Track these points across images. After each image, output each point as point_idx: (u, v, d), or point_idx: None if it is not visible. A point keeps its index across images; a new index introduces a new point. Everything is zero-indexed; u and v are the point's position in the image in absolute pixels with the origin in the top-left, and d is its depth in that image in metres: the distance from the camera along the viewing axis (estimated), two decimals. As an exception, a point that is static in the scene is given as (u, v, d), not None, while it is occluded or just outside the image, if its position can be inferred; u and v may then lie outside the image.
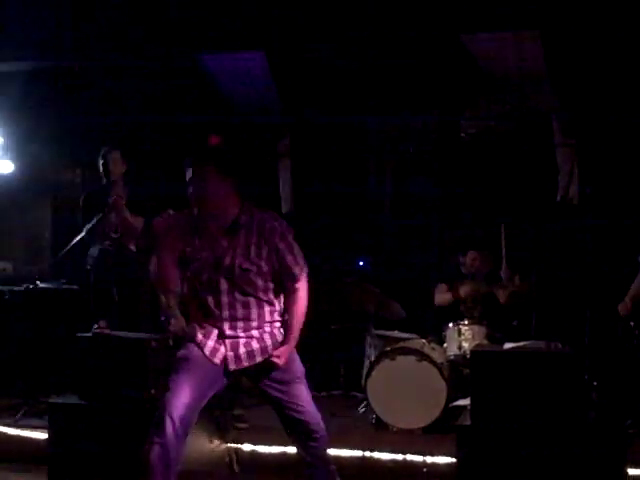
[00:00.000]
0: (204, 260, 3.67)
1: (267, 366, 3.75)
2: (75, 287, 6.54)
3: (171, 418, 3.53)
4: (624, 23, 5.49)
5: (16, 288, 6.45)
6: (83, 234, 5.57)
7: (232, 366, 3.71)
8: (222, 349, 3.69)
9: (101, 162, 5.79)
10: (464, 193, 7.17)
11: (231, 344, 3.69)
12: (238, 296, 3.67)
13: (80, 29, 6.27)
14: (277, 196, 7.40)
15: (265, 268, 3.68)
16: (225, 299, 3.67)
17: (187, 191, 3.68)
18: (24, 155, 7.21)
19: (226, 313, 3.68)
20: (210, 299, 3.68)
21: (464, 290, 6.17)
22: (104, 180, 5.84)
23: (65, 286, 6.63)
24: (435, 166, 7.33)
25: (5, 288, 6.61)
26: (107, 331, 4.94)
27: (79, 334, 4.83)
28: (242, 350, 3.70)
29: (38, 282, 6.21)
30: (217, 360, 3.69)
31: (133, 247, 5.75)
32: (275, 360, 3.72)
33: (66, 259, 5.96)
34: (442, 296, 6.32)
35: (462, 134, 7.21)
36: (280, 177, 7.48)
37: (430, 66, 6.57)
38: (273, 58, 6.52)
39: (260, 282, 3.69)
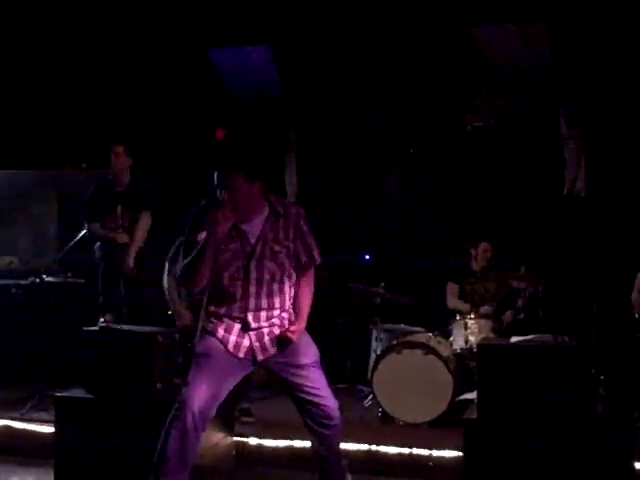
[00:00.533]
0: (234, 250, 3.71)
1: (285, 352, 3.78)
2: (81, 281, 6.55)
3: (191, 412, 3.58)
4: (630, 15, 5.45)
5: (22, 282, 6.46)
6: (85, 231, 5.59)
7: (260, 356, 3.76)
8: (246, 342, 3.73)
9: (112, 155, 5.79)
10: (470, 186, 7.15)
11: (256, 335, 3.74)
12: (265, 285, 3.73)
13: (84, 23, 6.26)
14: (283, 189, 7.40)
15: (292, 250, 3.79)
16: (253, 289, 3.72)
17: (216, 193, 3.70)
18: (30, 149, 7.22)
19: (252, 304, 3.72)
20: (237, 290, 3.71)
21: (484, 309, 6.15)
22: (110, 174, 5.85)
23: (71, 280, 6.64)
24: (441, 159, 7.30)
25: (11, 282, 6.62)
26: (113, 325, 4.94)
27: (85, 328, 4.83)
28: (267, 339, 3.76)
29: (44, 276, 6.22)
30: (241, 354, 3.74)
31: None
32: (289, 335, 3.77)
33: (73, 253, 5.98)
34: (456, 303, 6.30)
35: (468, 127, 7.18)
36: (286, 171, 7.47)
37: (436, 59, 6.55)
38: (279, 52, 6.51)
39: (288, 264, 3.78)
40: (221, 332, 3.75)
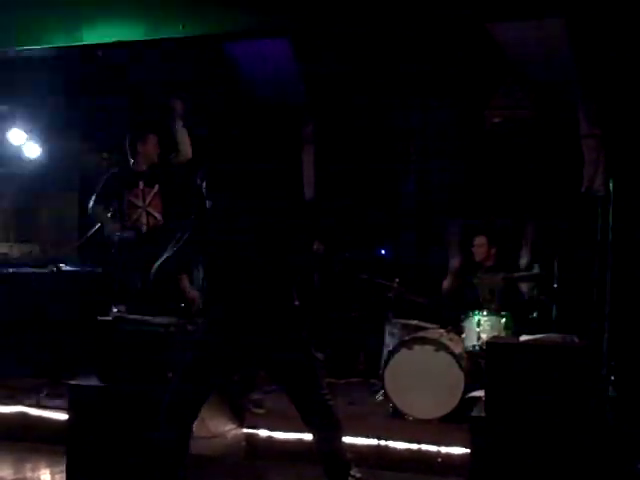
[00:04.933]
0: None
1: (284, 351, 3.78)
2: (99, 270, 6.61)
3: (183, 402, 3.60)
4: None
5: (41, 270, 6.54)
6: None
7: (257, 340, 3.75)
8: (244, 326, 3.73)
9: (139, 145, 5.84)
10: (488, 183, 7.12)
11: (254, 318, 3.74)
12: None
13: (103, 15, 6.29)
14: (301, 183, 7.42)
15: None
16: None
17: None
18: (51, 139, 7.28)
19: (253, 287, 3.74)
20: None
21: (487, 287, 6.15)
22: (132, 163, 5.90)
23: (89, 269, 6.71)
24: (459, 155, 7.28)
25: (31, 270, 6.70)
26: (127, 315, 4.99)
27: (100, 317, 4.88)
28: (264, 322, 3.75)
29: (62, 265, 6.29)
30: (239, 340, 3.73)
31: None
32: None
33: (92, 242, 6.04)
34: (445, 283, 6.34)
35: (486, 124, 7.14)
36: (304, 163, 7.49)
37: (455, 54, 6.52)
38: (297, 45, 6.51)
39: None
40: (221, 317, 3.83)
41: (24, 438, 5.27)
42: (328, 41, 6.44)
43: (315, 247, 6.36)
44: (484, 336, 5.71)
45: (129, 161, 5.93)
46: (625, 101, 6.28)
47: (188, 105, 5.96)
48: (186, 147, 5.86)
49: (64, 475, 4.49)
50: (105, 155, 7.76)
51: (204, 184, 3.87)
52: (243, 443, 4.95)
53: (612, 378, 4.82)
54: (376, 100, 7.06)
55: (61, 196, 8.01)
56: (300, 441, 4.92)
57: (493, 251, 6.40)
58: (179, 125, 5.84)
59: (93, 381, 4.72)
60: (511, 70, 6.46)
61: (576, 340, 4.16)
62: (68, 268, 6.46)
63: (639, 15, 5.46)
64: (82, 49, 5.45)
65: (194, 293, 5.14)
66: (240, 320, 3.73)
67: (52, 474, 4.78)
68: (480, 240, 6.41)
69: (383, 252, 7.40)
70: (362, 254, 7.18)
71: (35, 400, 5.55)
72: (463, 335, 5.91)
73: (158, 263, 3.87)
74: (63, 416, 5.07)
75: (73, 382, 4.80)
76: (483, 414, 4.09)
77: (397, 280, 6.24)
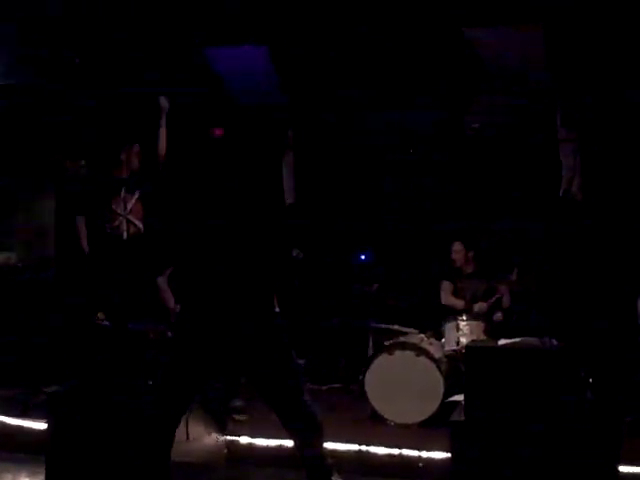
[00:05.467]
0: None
1: (264, 358, 3.78)
2: (78, 277, 6.57)
3: (164, 409, 3.59)
4: (625, 17, 5.46)
5: (19, 278, 6.49)
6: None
7: (237, 347, 3.74)
8: (224, 333, 3.72)
9: (123, 154, 5.84)
10: (467, 188, 7.17)
11: (233, 325, 3.73)
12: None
13: (83, 19, 6.28)
14: (281, 188, 7.43)
15: None
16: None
17: None
18: (28, 144, 7.25)
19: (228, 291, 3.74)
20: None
21: (478, 307, 6.19)
22: (114, 170, 5.89)
23: (67, 276, 6.67)
24: (438, 160, 7.32)
25: (8, 278, 6.65)
26: (106, 322, 4.98)
27: (79, 325, 4.86)
28: (243, 329, 3.74)
29: (40, 272, 6.26)
30: (219, 347, 3.73)
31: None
32: None
33: (70, 249, 6.01)
34: (451, 300, 6.35)
35: (466, 129, 7.19)
36: (284, 170, 7.50)
37: (433, 60, 6.55)
38: (276, 51, 6.52)
39: None
40: (195, 320, 3.82)
41: (3, 447, 5.21)
42: (307, 47, 6.47)
43: (295, 253, 6.36)
44: (464, 340, 5.74)
45: (110, 168, 5.91)
46: (601, 106, 6.36)
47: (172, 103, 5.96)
48: (163, 144, 5.85)
49: (44, 484, 4.46)
50: (83, 162, 7.74)
51: (179, 188, 3.86)
52: (225, 449, 4.93)
53: (590, 381, 4.86)
54: (356, 106, 7.08)
55: (38, 204, 7.96)
56: (281, 447, 4.91)
57: (471, 255, 6.44)
58: (162, 122, 5.84)
59: (72, 388, 4.70)
60: (490, 76, 6.50)
61: (554, 343, 4.19)
62: (46, 275, 6.41)
63: (613, 21, 5.54)
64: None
65: (173, 302, 5.16)
66: (219, 327, 3.72)
67: (32, 483, 4.74)
68: (457, 246, 6.44)
69: (363, 257, 7.42)
70: (342, 259, 7.20)
71: (19, 410, 5.47)
72: (443, 340, 5.93)
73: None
74: (42, 425, 5.04)
75: (52, 390, 4.77)
76: (463, 418, 4.11)
77: (377, 285, 6.26)
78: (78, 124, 7.20)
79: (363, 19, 5.91)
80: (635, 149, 6.43)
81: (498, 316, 6.19)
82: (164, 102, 5.85)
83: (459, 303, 6.28)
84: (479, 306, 6.18)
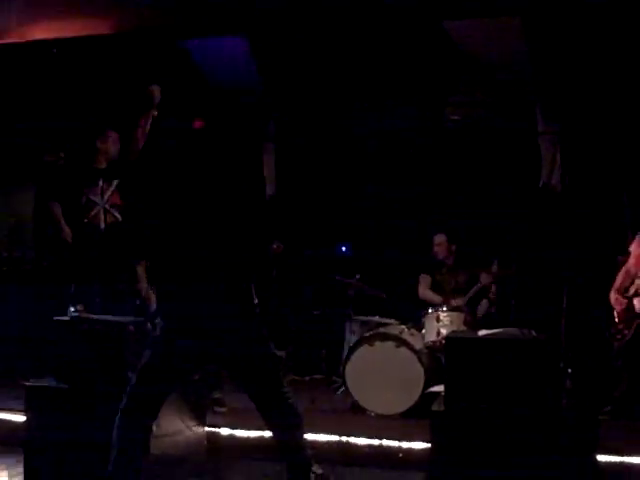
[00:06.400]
0: None
1: (243, 350, 3.77)
2: (57, 270, 6.53)
3: (142, 401, 3.57)
4: (605, 11, 5.49)
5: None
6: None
7: (215, 339, 3.71)
8: (202, 325, 3.70)
9: (98, 141, 5.78)
10: (448, 180, 7.18)
11: (212, 316, 3.70)
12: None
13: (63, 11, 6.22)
14: (262, 181, 7.40)
15: None
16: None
17: None
18: (6, 138, 7.17)
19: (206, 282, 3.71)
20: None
21: (456, 301, 6.21)
22: (92, 160, 5.83)
23: (47, 269, 6.63)
24: (418, 152, 7.33)
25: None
26: (85, 315, 4.93)
27: (57, 317, 4.82)
28: (222, 321, 3.71)
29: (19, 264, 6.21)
30: (197, 339, 3.70)
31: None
32: None
33: (48, 242, 5.97)
34: (427, 294, 6.36)
35: (446, 122, 7.21)
36: (264, 161, 7.48)
37: (413, 53, 6.56)
38: (256, 43, 6.50)
39: None
40: (174, 315, 3.79)
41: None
42: (286, 39, 6.45)
43: (275, 246, 6.36)
44: (444, 331, 5.75)
45: (88, 158, 5.86)
46: (581, 99, 6.39)
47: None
48: (142, 137, 5.79)
49: (22, 477, 4.42)
50: (62, 154, 7.67)
51: (157, 179, 3.83)
52: (205, 441, 4.92)
53: (569, 371, 4.90)
54: (336, 98, 7.07)
55: (17, 194, 7.90)
56: (262, 438, 4.91)
57: (453, 248, 6.46)
58: (152, 111, 5.76)
59: (50, 382, 4.67)
60: (469, 69, 6.52)
61: (534, 334, 4.21)
62: (25, 268, 6.36)
63: (592, 15, 5.56)
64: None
65: (150, 293, 5.13)
66: (197, 319, 3.70)
67: (10, 477, 4.70)
68: (440, 238, 6.45)
69: (344, 249, 7.42)
70: (322, 251, 7.19)
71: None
72: (423, 331, 5.95)
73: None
74: (19, 418, 5.01)
75: (30, 383, 4.73)
76: (443, 409, 4.12)
77: (357, 277, 6.26)
78: (56, 114, 7.14)
79: (343, 12, 5.89)
80: (614, 141, 6.48)
81: (483, 305, 6.20)
82: (155, 91, 5.74)
83: (436, 298, 6.29)
84: (457, 301, 6.20)
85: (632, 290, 5.41)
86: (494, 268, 6.20)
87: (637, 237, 5.54)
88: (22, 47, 6.13)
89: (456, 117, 7.21)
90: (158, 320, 3.82)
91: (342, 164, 7.48)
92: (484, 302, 6.26)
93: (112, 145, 5.82)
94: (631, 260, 5.53)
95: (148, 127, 5.65)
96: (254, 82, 6.95)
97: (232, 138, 3.97)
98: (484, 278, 6.17)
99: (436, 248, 6.48)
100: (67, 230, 5.78)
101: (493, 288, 6.24)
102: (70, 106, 7.00)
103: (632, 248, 5.56)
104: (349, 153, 7.51)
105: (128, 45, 6.26)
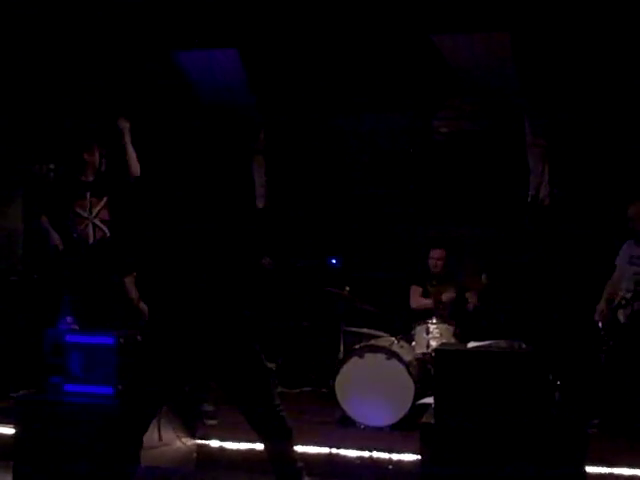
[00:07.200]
0: None
1: (231, 361, 3.78)
2: (46, 281, 6.52)
3: (133, 413, 3.58)
4: (592, 26, 5.56)
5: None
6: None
7: (206, 351, 3.71)
8: (192, 337, 3.70)
9: (85, 154, 5.78)
10: (436, 192, 7.22)
11: (202, 329, 3.70)
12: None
13: (52, 23, 6.25)
14: (252, 192, 7.42)
15: None
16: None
17: None
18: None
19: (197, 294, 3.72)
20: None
21: (446, 296, 6.24)
22: (79, 173, 5.83)
23: (36, 280, 6.61)
24: (408, 165, 7.37)
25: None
26: (75, 327, 4.93)
27: (47, 329, 4.81)
28: (212, 333, 3.70)
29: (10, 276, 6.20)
30: (188, 351, 3.71)
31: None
32: None
33: (38, 253, 5.96)
34: (420, 301, 6.39)
35: (435, 134, 7.25)
36: (254, 173, 7.50)
37: (402, 66, 6.61)
38: (246, 54, 6.54)
39: None
40: (165, 326, 3.79)
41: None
42: (277, 51, 6.49)
43: (265, 262, 6.36)
44: (434, 343, 5.78)
45: (76, 171, 5.86)
46: (569, 113, 6.45)
47: (135, 120, 5.90)
48: (135, 163, 5.80)
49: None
50: (52, 166, 7.67)
51: (148, 191, 3.84)
52: (195, 454, 4.92)
53: (558, 383, 4.92)
54: (327, 110, 7.11)
55: (6, 207, 7.88)
56: (252, 451, 4.91)
57: (442, 262, 6.47)
58: (128, 141, 5.77)
59: (40, 395, 4.65)
60: (458, 82, 6.57)
61: (523, 346, 4.23)
62: (14, 279, 6.34)
63: (580, 30, 5.63)
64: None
65: (143, 305, 5.13)
66: (188, 331, 3.70)
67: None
68: (440, 253, 6.44)
69: (334, 261, 7.43)
70: (313, 263, 7.20)
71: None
72: (413, 343, 5.96)
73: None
74: (9, 430, 4.99)
75: (20, 395, 4.72)
76: (433, 421, 4.14)
77: (348, 288, 6.27)
78: (46, 126, 7.15)
79: (333, 24, 5.94)
80: (602, 154, 6.53)
81: (469, 303, 6.23)
82: (123, 123, 5.73)
83: (428, 302, 6.31)
84: (447, 296, 6.22)
85: (616, 301, 5.46)
86: (483, 280, 6.22)
87: (622, 249, 5.61)
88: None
89: (445, 130, 7.25)
90: (149, 331, 3.83)
91: (333, 176, 7.50)
92: (471, 297, 6.28)
93: (99, 158, 5.81)
94: (615, 273, 5.59)
95: (133, 157, 5.66)
96: (244, 95, 6.98)
97: (221, 149, 3.98)
98: (471, 297, 6.20)
99: (434, 262, 6.46)
100: (56, 236, 5.76)
101: (472, 301, 6.26)
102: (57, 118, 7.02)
103: (617, 261, 5.63)
104: (340, 166, 7.54)
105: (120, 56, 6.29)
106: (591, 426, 4.99)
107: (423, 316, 6.11)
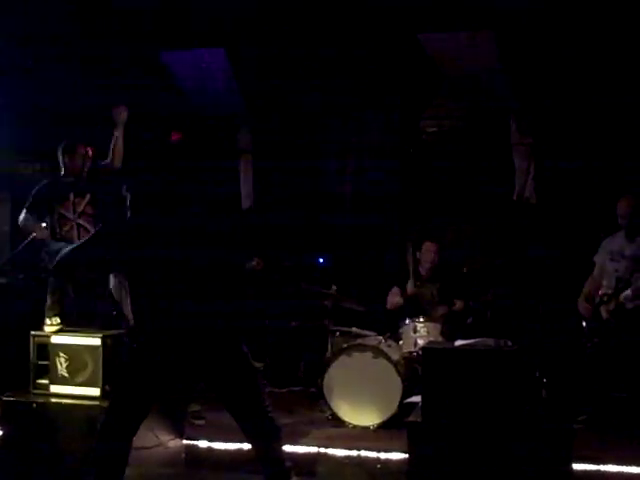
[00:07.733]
0: None
1: (219, 363, 3.77)
2: (32, 283, 6.48)
3: (122, 416, 3.56)
4: (578, 23, 5.58)
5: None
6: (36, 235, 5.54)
7: (194, 353, 3.69)
8: (180, 339, 3.68)
9: (66, 157, 5.75)
10: (424, 191, 7.23)
11: (189, 330, 3.68)
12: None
13: (41, 22, 6.22)
14: (238, 192, 7.42)
15: None
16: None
17: None
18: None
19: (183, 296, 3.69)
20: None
21: (411, 290, 6.24)
22: (64, 174, 5.80)
23: (22, 281, 6.58)
24: (395, 164, 7.37)
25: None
26: (61, 328, 4.91)
27: (33, 332, 4.80)
28: (200, 335, 3.69)
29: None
30: (175, 354, 3.69)
31: None
32: None
33: (24, 255, 5.92)
34: (393, 300, 6.39)
35: (422, 133, 7.27)
36: (241, 173, 7.49)
37: (389, 65, 6.62)
38: (233, 55, 6.53)
39: None
40: (151, 334, 3.76)
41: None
42: (265, 51, 6.48)
43: (255, 263, 6.36)
44: (421, 342, 5.77)
45: (59, 172, 5.83)
46: (555, 111, 6.47)
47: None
48: (119, 156, 5.78)
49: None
50: (38, 166, 7.63)
51: (130, 194, 3.81)
52: (183, 454, 4.92)
53: (544, 380, 4.95)
54: (313, 110, 7.11)
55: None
56: (240, 451, 4.91)
57: (433, 256, 6.45)
58: (118, 132, 5.75)
59: (26, 397, 4.64)
60: (445, 81, 6.59)
61: (509, 344, 4.25)
62: (1, 281, 6.31)
63: (565, 28, 5.66)
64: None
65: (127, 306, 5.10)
66: (175, 333, 3.69)
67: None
68: (433, 247, 6.40)
69: (321, 260, 7.43)
70: (300, 262, 7.20)
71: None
72: (401, 342, 5.97)
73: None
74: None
75: (6, 398, 4.70)
76: (420, 419, 4.15)
77: (335, 288, 6.27)
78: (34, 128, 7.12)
79: (320, 24, 5.95)
80: (588, 152, 6.56)
81: (458, 305, 6.23)
82: (118, 114, 5.71)
83: (400, 301, 6.28)
84: (441, 309, 6.22)
85: (597, 298, 5.49)
86: (489, 297, 6.22)
87: (601, 246, 5.64)
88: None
89: (432, 129, 7.27)
90: (136, 333, 3.81)
91: (320, 176, 7.51)
92: (459, 303, 6.29)
93: (79, 159, 5.76)
94: (595, 270, 5.62)
95: (121, 144, 5.64)
96: (232, 94, 6.97)
97: (209, 150, 3.97)
98: (458, 305, 6.22)
99: (425, 255, 6.40)
100: (43, 231, 5.72)
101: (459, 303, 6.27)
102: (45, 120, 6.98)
103: (595, 258, 5.66)
104: (327, 165, 7.54)
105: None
106: (577, 422, 5.01)
107: (411, 314, 6.10)
